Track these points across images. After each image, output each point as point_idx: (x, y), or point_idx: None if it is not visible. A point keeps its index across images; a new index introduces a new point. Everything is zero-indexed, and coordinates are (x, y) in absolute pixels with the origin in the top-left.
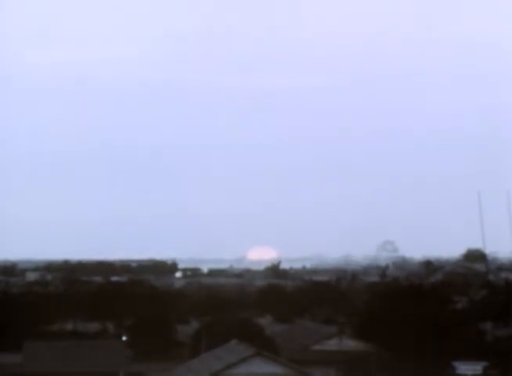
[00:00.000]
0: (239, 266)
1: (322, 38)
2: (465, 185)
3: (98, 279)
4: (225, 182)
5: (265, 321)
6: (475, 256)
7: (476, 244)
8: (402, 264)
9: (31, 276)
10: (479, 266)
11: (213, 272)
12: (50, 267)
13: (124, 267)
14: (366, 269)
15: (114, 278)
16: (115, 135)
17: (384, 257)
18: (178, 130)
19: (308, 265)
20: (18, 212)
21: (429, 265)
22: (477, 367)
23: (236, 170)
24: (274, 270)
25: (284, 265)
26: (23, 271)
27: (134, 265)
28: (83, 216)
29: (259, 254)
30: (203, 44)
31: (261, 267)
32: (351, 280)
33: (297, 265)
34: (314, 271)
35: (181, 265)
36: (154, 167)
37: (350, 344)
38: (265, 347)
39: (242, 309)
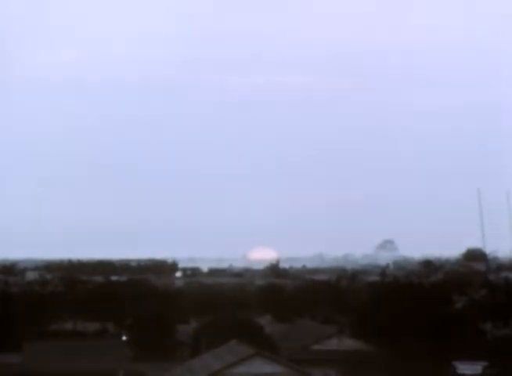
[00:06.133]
0: (239, 266)
1: (321, 38)
2: (465, 184)
3: (98, 278)
4: (224, 183)
5: (265, 321)
6: (475, 255)
7: (476, 244)
8: (402, 263)
9: (31, 276)
10: (479, 266)
11: (213, 272)
12: (50, 266)
13: (123, 267)
14: (366, 269)
15: (114, 278)
16: (115, 135)
17: (384, 256)
18: (177, 130)
19: (309, 264)
20: (18, 212)
21: (429, 265)
22: (477, 367)
23: (235, 170)
24: (273, 269)
25: (284, 265)
26: (23, 270)
27: (134, 264)
28: (83, 216)
29: (259, 254)
30: (202, 44)
31: (262, 267)
32: (351, 280)
33: (298, 265)
34: (314, 270)
35: (181, 265)
36: (154, 167)
37: (350, 343)
38: (265, 347)
39: (242, 309)
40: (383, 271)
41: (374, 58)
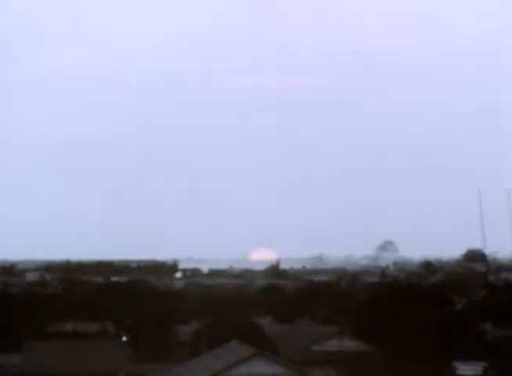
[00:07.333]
0: (239, 267)
1: (321, 38)
2: (465, 185)
3: (98, 279)
4: (225, 183)
5: (265, 321)
6: (475, 256)
7: (476, 245)
8: (402, 264)
9: (31, 277)
10: (479, 267)
11: (213, 273)
12: (50, 267)
13: (123, 267)
14: (367, 269)
15: (114, 278)
16: (115, 136)
17: (384, 257)
18: (177, 129)
19: (309, 265)
20: (18, 212)
21: (429, 266)
22: (477, 368)
23: (235, 170)
24: (273, 270)
25: (285, 266)
26: (23, 271)
27: (134, 265)
28: (83, 216)
29: (260, 255)
30: (202, 44)
31: (262, 267)
32: (351, 280)
33: (298, 266)
34: (314, 271)
35: (181, 266)
36: (155, 167)
37: (350, 344)
38: (265, 347)
39: (242, 310)
40: (383, 272)
41: (379, 58)
